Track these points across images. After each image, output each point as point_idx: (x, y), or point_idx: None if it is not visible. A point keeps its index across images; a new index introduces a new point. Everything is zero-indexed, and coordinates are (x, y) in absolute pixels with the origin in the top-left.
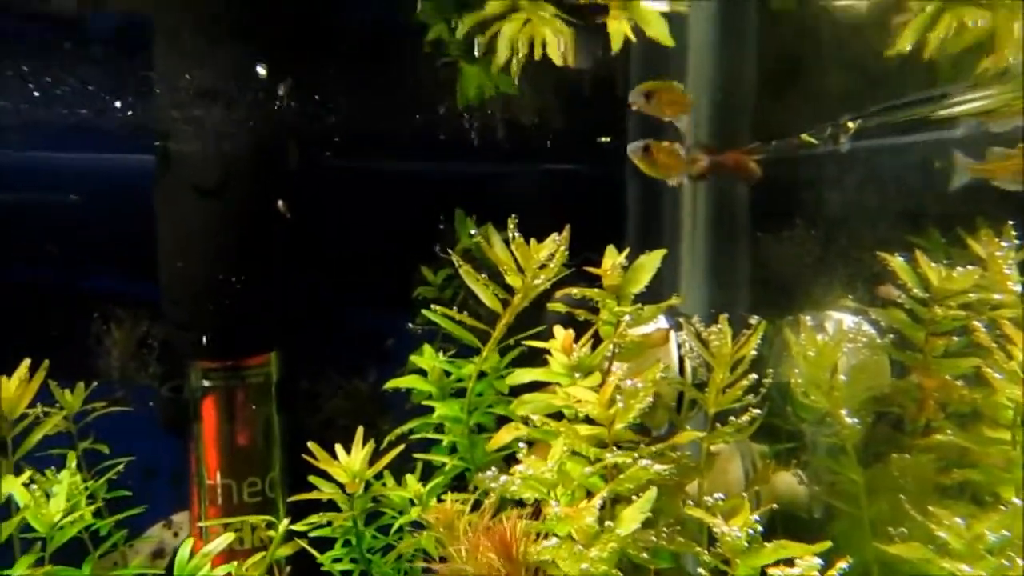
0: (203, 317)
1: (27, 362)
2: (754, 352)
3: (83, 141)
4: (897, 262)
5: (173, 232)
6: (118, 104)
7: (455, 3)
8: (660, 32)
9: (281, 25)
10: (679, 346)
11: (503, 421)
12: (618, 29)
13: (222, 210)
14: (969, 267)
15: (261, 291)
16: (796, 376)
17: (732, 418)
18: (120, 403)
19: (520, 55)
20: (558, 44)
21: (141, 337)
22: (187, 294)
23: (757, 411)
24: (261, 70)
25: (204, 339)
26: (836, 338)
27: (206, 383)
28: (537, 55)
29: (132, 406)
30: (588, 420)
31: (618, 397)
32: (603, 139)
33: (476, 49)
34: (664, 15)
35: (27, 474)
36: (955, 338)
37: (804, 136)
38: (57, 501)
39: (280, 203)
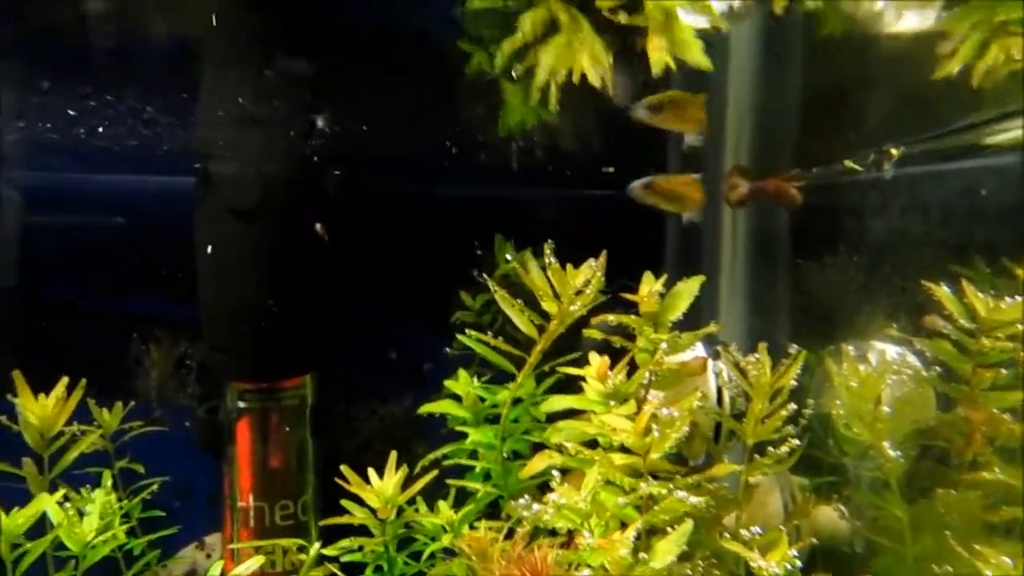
0: (240, 338)
1: (65, 380)
2: (794, 382)
3: (125, 163)
4: (942, 292)
5: (211, 254)
6: (160, 127)
7: (496, 32)
8: (697, 57)
9: (322, 49)
10: (717, 375)
11: (538, 448)
12: (658, 53)
13: (260, 232)
14: (1017, 297)
15: (298, 313)
16: (838, 407)
17: (771, 449)
18: (157, 423)
19: (559, 79)
20: (597, 70)
21: (179, 358)
22: (224, 315)
23: (797, 442)
24: (301, 94)
25: (240, 360)
26: (880, 369)
27: (241, 404)
28: (576, 80)
29: (169, 426)
30: (623, 449)
31: (654, 426)
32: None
33: (515, 76)
34: (705, 39)
35: (61, 492)
36: (1003, 370)
37: (847, 163)
38: (90, 520)
39: (318, 226)
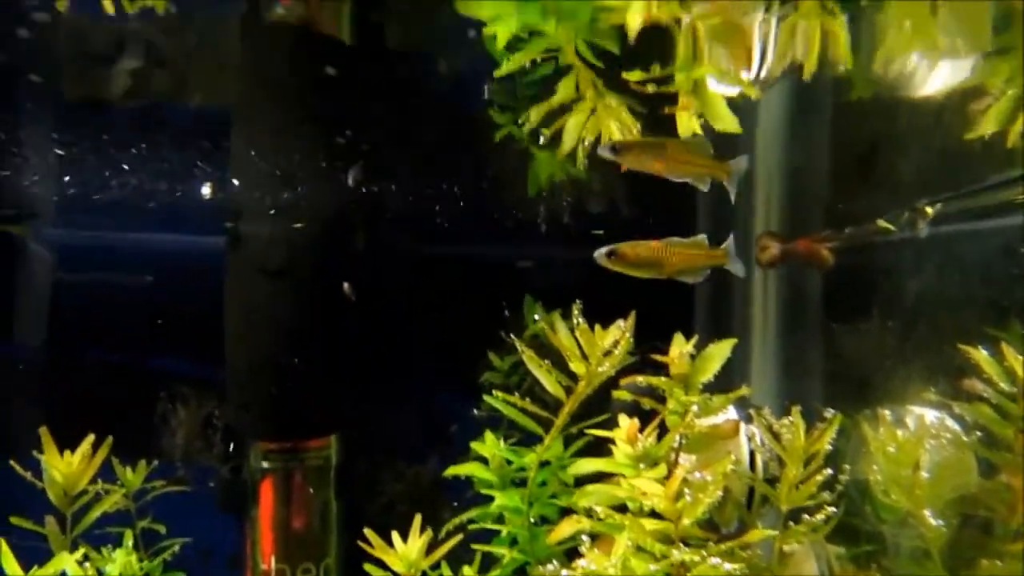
0: (265, 398)
1: (90, 438)
2: (829, 447)
3: (155, 222)
4: (981, 354)
5: (239, 312)
6: (191, 187)
7: (525, 101)
8: (728, 123)
9: (353, 111)
10: (749, 438)
11: (566, 513)
12: (687, 121)
13: (288, 291)
14: None
15: (324, 373)
16: (875, 473)
17: (806, 516)
18: (180, 483)
19: (586, 144)
20: (623, 135)
21: (204, 417)
22: (250, 374)
23: (833, 509)
24: (331, 155)
25: (265, 419)
26: (918, 434)
27: (265, 464)
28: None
29: (192, 485)
30: (654, 514)
31: (686, 491)
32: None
33: (542, 139)
34: (732, 100)
35: (81, 551)
36: None
37: (880, 222)
38: None
39: (346, 285)
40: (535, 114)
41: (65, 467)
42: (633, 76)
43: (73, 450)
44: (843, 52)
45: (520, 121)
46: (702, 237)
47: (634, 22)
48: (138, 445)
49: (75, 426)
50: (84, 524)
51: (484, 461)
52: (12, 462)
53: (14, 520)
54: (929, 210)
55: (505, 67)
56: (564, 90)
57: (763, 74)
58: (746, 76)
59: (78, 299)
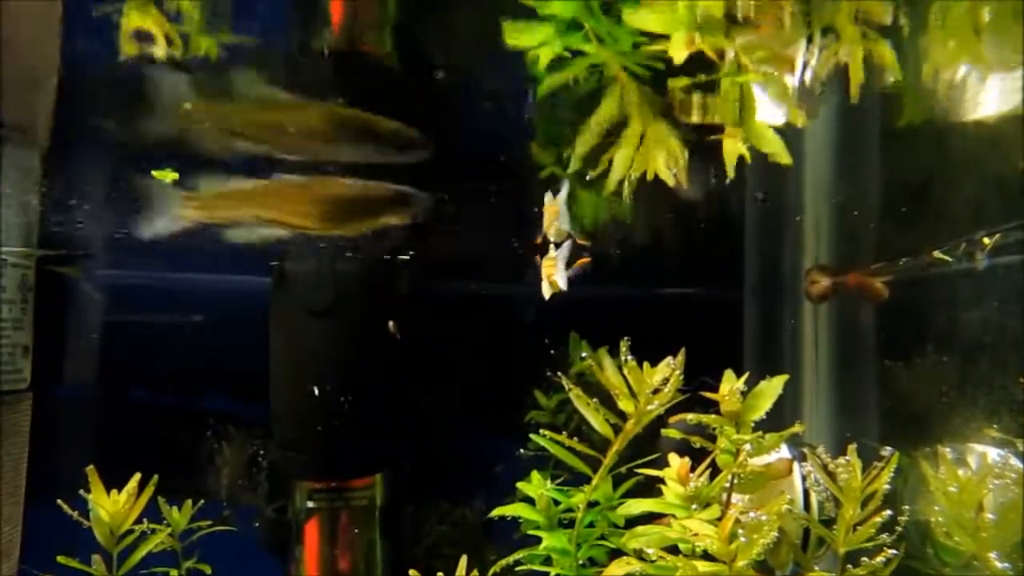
0: (311, 437)
1: (137, 477)
2: (887, 487)
3: (203, 262)
4: None
5: (284, 352)
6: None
7: (567, 132)
8: (777, 150)
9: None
10: (803, 478)
11: (615, 554)
12: (733, 150)
13: (333, 331)
14: None
15: (369, 413)
16: (936, 514)
17: (865, 559)
18: (226, 522)
19: (632, 179)
20: (670, 167)
21: (249, 456)
22: (296, 413)
23: (893, 552)
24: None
25: (310, 459)
26: (981, 473)
27: (310, 504)
28: (650, 177)
29: (237, 525)
30: (707, 556)
31: (740, 531)
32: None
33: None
34: (780, 130)
35: None
36: None
37: (936, 254)
38: None
39: (391, 324)
40: (580, 145)
41: (111, 506)
42: (677, 83)
43: (119, 489)
44: (892, 67)
45: (564, 155)
46: None
47: (678, 54)
48: (184, 485)
49: (121, 465)
50: (130, 564)
51: (531, 501)
52: (60, 502)
53: (61, 559)
54: (987, 240)
55: (548, 83)
56: (608, 108)
57: (807, 102)
58: (789, 77)
59: (127, 339)
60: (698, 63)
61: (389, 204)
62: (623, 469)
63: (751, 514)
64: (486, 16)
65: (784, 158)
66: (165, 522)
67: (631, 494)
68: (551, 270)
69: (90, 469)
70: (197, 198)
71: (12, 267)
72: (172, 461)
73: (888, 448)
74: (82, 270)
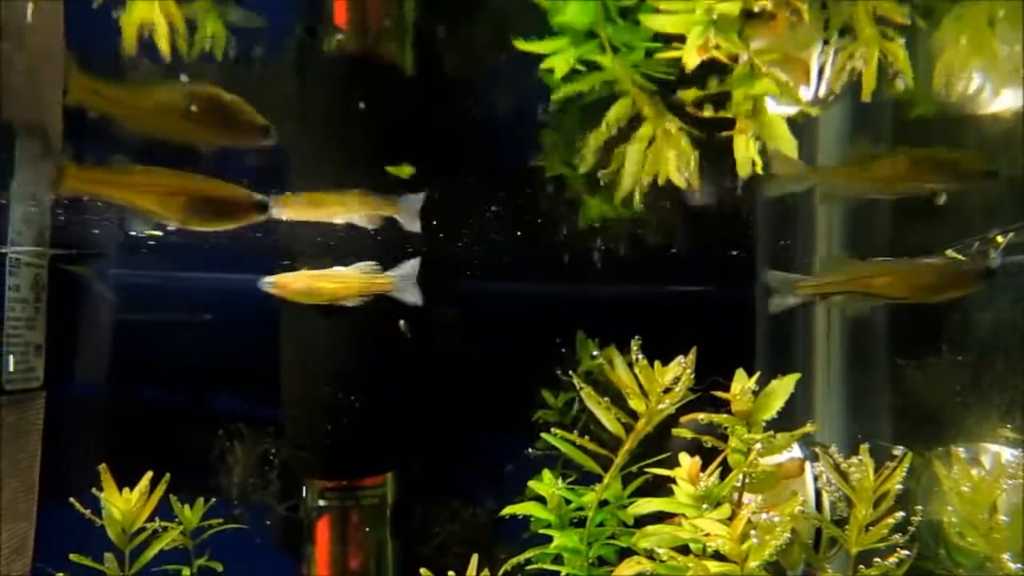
0: (322, 436)
1: (148, 475)
2: (899, 487)
3: (213, 262)
4: None
5: (296, 351)
6: (247, 227)
7: (578, 129)
8: (787, 143)
9: (408, 151)
10: (815, 478)
11: (624, 554)
12: (745, 149)
13: (345, 330)
14: None
15: (380, 411)
16: (950, 515)
17: (877, 560)
18: (237, 520)
19: (644, 182)
20: (681, 168)
21: (260, 455)
22: (307, 413)
23: (906, 552)
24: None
25: (322, 457)
26: (994, 473)
27: (321, 503)
28: (662, 180)
29: (248, 523)
30: (718, 556)
31: (751, 532)
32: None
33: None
34: (791, 123)
35: None
36: None
37: (949, 252)
38: None
39: (401, 323)
40: (593, 140)
41: (124, 504)
42: (688, 95)
43: (131, 488)
44: (904, 68)
45: (576, 161)
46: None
47: (691, 61)
48: (195, 483)
49: (133, 464)
50: (142, 561)
51: (541, 500)
52: (72, 499)
53: (74, 557)
54: (1000, 239)
55: (561, 92)
56: (619, 109)
57: (821, 94)
58: (804, 89)
59: (138, 338)
60: (710, 71)
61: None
62: (633, 468)
63: (764, 515)
64: (498, 22)
65: (792, 152)
66: (176, 520)
67: (639, 493)
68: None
69: (102, 467)
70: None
71: (26, 266)
72: (183, 460)
73: (900, 448)
74: (94, 269)
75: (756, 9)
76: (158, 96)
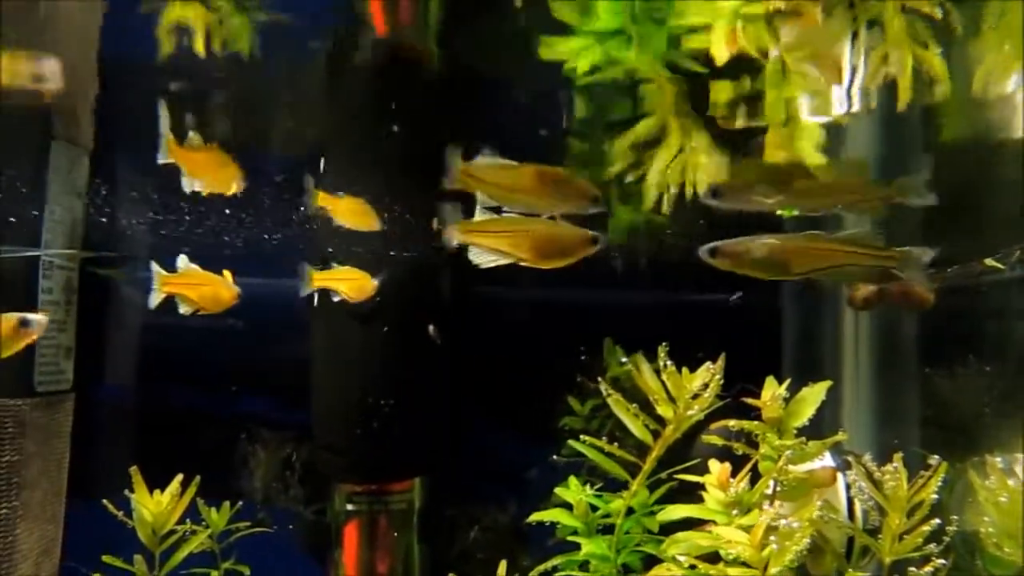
0: (351, 440)
1: (179, 477)
2: (934, 496)
3: (244, 265)
4: None
5: (326, 355)
6: (280, 232)
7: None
8: (809, 152)
9: (437, 156)
10: (848, 487)
11: (650, 561)
12: (775, 153)
13: (375, 334)
14: None
15: (409, 416)
16: (986, 525)
17: (912, 569)
18: (263, 524)
19: (672, 190)
20: (711, 173)
21: (287, 459)
22: (337, 417)
23: (941, 562)
24: (419, 198)
25: (351, 461)
26: None
27: (349, 507)
28: (688, 188)
29: (275, 527)
30: (747, 564)
31: (771, 538)
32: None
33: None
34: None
35: None
36: None
37: (988, 261)
38: None
39: (431, 328)
40: (621, 146)
41: (155, 506)
42: (720, 112)
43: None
44: (939, 73)
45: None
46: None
47: (720, 53)
48: (222, 486)
49: (162, 467)
50: (171, 564)
51: (568, 507)
52: (105, 501)
53: (106, 559)
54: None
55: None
56: (647, 124)
57: (852, 102)
58: (835, 89)
59: (169, 342)
60: (738, 68)
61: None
62: (662, 475)
63: (784, 520)
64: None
65: (814, 158)
66: (203, 523)
67: (664, 500)
68: None
69: (133, 469)
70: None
71: (59, 269)
72: (211, 463)
73: (935, 456)
74: (124, 272)
75: (784, 8)
76: (516, 177)
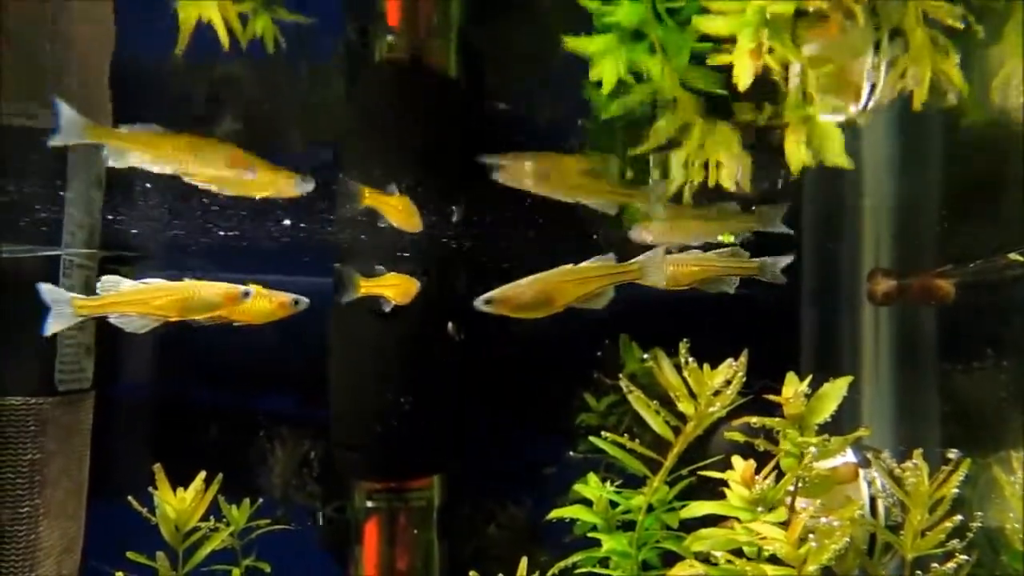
0: (372, 437)
1: (202, 475)
2: (956, 491)
3: (262, 263)
4: None
5: (346, 353)
6: (298, 228)
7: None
8: (837, 156)
9: (455, 154)
10: (869, 483)
11: (670, 557)
12: (796, 150)
13: (396, 332)
14: None
15: (429, 413)
16: (1011, 520)
17: (935, 566)
18: (283, 521)
19: (694, 183)
20: (735, 170)
21: (307, 457)
22: (357, 414)
23: (964, 558)
24: (440, 197)
25: (371, 459)
26: None
27: (369, 504)
28: (711, 182)
29: (295, 524)
30: (773, 559)
31: (810, 536)
32: None
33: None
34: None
35: None
36: None
37: (1013, 255)
38: None
39: (450, 325)
40: (647, 144)
41: (178, 503)
42: (743, 115)
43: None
44: (956, 80)
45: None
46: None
47: (744, 75)
48: (241, 484)
49: (182, 465)
50: (194, 561)
51: (588, 503)
52: (130, 498)
53: (131, 555)
54: None
55: (612, 109)
56: (668, 121)
57: (871, 103)
58: (854, 108)
59: (185, 340)
60: (760, 87)
61: None
62: (683, 471)
63: (822, 519)
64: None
65: (843, 163)
66: (225, 521)
67: (682, 496)
68: None
69: (157, 467)
70: None
71: (79, 268)
72: (230, 461)
73: (956, 452)
74: (137, 270)
75: (811, 9)
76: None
